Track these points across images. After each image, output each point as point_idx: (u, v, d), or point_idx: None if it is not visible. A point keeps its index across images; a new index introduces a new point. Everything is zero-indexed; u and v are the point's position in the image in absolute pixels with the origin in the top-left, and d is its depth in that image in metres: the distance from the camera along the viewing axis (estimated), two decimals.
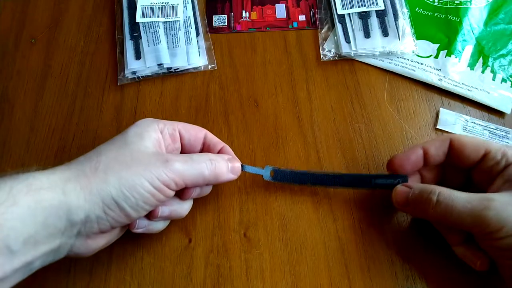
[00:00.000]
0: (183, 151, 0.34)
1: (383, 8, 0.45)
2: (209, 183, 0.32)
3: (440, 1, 0.47)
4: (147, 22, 0.45)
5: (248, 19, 0.47)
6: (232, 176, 0.32)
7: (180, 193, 0.31)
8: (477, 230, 0.28)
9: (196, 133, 0.33)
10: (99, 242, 0.29)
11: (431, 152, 0.32)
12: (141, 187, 0.27)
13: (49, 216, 0.24)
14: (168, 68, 0.43)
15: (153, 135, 0.30)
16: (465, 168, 0.32)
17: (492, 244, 0.28)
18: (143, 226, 0.30)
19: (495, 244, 0.27)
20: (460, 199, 0.28)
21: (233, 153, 0.34)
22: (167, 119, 0.32)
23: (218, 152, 0.34)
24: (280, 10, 0.48)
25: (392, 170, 0.33)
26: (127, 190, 0.27)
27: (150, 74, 0.43)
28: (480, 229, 0.27)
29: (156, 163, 0.28)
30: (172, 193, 0.29)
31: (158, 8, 0.45)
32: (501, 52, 0.44)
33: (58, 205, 0.25)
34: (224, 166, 0.31)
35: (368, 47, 0.44)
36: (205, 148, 0.34)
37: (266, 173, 0.35)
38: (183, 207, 0.32)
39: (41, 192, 0.24)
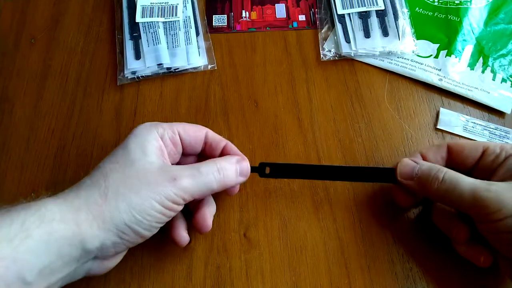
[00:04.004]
0: (184, 152, 0.33)
1: (383, 8, 0.45)
2: (217, 191, 0.31)
3: (440, 1, 0.47)
4: (147, 22, 0.45)
5: (248, 19, 0.47)
6: (241, 179, 0.32)
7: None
8: (476, 211, 0.28)
9: (195, 133, 0.33)
10: (115, 261, 0.29)
11: (430, 158, 0.33)
12: (152, 209, 0.27)
13: (63, 246, 0.25)
14: (168, 68, 0.43)
15: (155, 144, 0.30)
16: (466, 169, 0.32)
17: (490, 228, 0.28)
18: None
19: (493, 226, 0.27)
20: (464, 180, 0.29)
21: (236, 149, 0.34)
22: (167, 119, 0.32)
23: (222, 151, 0.34)
24: (280, 10, 0.48)
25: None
26: (139, 214, 0.27)
27: (150, 74, 0.43)
28: (479, 210, 0.28)
29: (163, 182, 0.28)
30: (181, 207, 0.29)
31: (158, 8, 0.45)
32: (501, 52, 0.43)
33: (72, 236, 0.25)
34: (233, 172, 0.31)
35: (368, 47, 0.44)
36: (207, 148, 0.34)
37: (261, 170, 0.34)
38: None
39: (53, 224, 0.25)
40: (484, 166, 0.31)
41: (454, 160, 0.32)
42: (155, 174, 0.28)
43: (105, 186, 0.27)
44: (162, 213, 0.28)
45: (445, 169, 0.30)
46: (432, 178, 0.30)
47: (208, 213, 0.32)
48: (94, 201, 0.26)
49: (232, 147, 0.34)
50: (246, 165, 0.32)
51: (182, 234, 0.32)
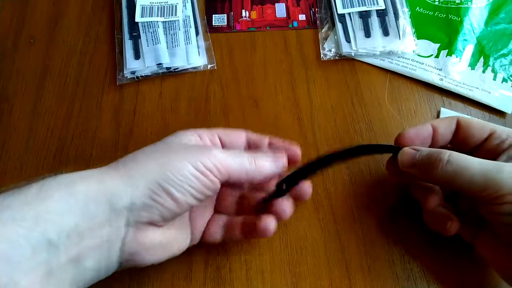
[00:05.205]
0: None
1: (383, 7, 0.45)
2: (253, 179, 0.29)
3: (441, 1, 0.47)
4: (146, 21, 0.44)
5: (248, 19, 0.47)
6: (276, 170, 0.30)
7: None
8: (487, 193, 0.27)
9: (236, 138, 0.33)
10: (153, 237, 0.27)
11: (440, 130, 0.32)
12: (185, 169, 0.26)
13: (88, 205, 0.23)
14: (167, 68, 0.43)
15: (193, 139, 0.30)
16: (469, 149, 0.31)
17: (502, 210, 0.27)
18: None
19: (501, 209, 0.27)
20: (473, 161, 0.28)
21: (281, 142, 0.33)
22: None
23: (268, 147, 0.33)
24: (280, 10, 0.48)
25: (401, 145, 0.32)
26: (170, 172, 0.25)
27: (150, 73, 0.43)
28: (490, 192, 0.27)
29: (197, 149, 0.28)
30: (217, 181, 0.28)
31: (158, 7, 0.45)
32: (502, 52, 0.43)
33: (96, 194, 0.24)
34: (267, 160, 0.30)
35: (369, 47, 0.43)
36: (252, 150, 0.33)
37: (279, 192, 0.32)
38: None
39: (75, 184, 0.24)
40: (488, 149, 0.30)
41: (459, 136, 0.31)
42: (187, 145, 0.29)
43: (133, 155, 0.27)
44: (196, 176, 0.26)
45: (448, 151, 0.29)
46: (434, 161, 0.29)
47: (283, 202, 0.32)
48: (122, 163, 0.26)
49: (276, 141, 0.33)
50: (280, 159, 0.31)
51: (269, 219, 0.31)
